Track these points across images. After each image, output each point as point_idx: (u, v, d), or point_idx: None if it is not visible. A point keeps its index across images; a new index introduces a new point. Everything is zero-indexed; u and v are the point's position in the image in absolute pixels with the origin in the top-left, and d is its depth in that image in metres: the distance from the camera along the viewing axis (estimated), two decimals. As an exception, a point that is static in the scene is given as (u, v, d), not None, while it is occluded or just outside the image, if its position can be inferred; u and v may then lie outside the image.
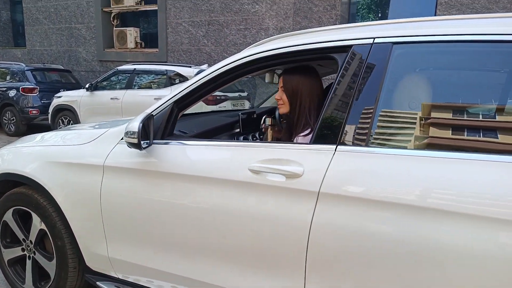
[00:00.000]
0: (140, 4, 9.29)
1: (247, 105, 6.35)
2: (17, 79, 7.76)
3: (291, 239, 1.34)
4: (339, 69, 1.41)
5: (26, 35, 10.79)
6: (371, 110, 1.30)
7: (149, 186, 1.63)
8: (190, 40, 8.28)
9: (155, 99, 5.80)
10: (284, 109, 1.73)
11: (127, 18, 9.92)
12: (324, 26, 7.35)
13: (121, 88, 6.52)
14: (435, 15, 6.03)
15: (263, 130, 2.20)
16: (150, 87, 6.42)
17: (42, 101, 7.55)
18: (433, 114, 1.29)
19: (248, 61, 1.57)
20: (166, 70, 6.25)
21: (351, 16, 7.28)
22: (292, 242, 1.34)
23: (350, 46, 1.41)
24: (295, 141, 1.61)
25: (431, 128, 1.28)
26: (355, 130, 1.32)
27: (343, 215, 1.25)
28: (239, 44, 7.62)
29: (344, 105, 1.35)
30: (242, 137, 2.30)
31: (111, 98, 6.41)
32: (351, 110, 1.33)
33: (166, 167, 1.61)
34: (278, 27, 7.24)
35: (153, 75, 6.44)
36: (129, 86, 6.47)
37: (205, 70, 6.06)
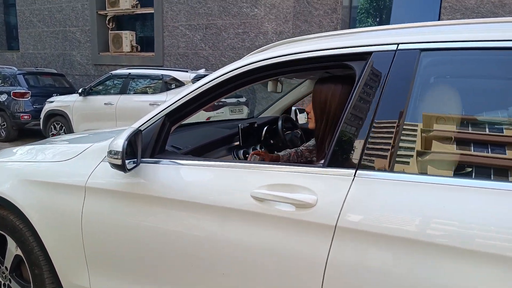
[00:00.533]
0: (136, 7, 9.10)
1: (245, 111, 6.16)
2: (9, 83, 7.53)
3: (301, 279, 1.14)
4: (357, 79, 1.21)
5: (19, 38, 10.57)
6: (396, 128, 1.10)
7: (137, 212, 1.43)
8: (187, 44, 8.09)
9: (150, 104, 5.58)
10: (310, 124, 1.57)
11: (123, 22, 9.72)
12: (325, 30, 7.21)
13: (115, 93, 6.30)
14: (439, 19, 5.87)
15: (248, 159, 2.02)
16: (145, 92, 6.20)
17: (34, 106, 7.32)
18: (474, 131, 1.09)
19: (249, 69, 1.37)
20: (162, 74, 6.04)
21: (352, 20, 7.12)
22: (303, 284, 1.14)
23: (370, 53, 1.21)
24: None
25: (472, 150, 1.08)
26: (377, 151, 1.12)
27: (366, 254, 1.05)
28: (237, 48, 7.43)
29: (364, 121, 1.15)
30: (242, 151, 2.10)
31: (105, 104, 6.19)
32: (372, 127, 1.13)
33: (156, 190, 1.40)
34: (278, 31, 7.06)
35: (148, 79, 6.23)
36: (123, 91, 6.25)
37: (202, 74, 5.90)
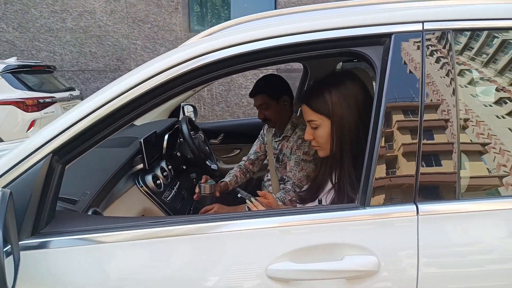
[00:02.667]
0: None
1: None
2: None
3: None
4: (378, 73, 0.86)
5: None
6: (453, 136, 0.81)
7: None
8: (-23, 24, 6.06)
9: None
10: (322, 152, 1.06)
11: None
12: (165, 10, 6.51)
13: None
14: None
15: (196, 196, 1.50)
16: None
17: None
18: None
19: (219, 59, 0.84)
20: None
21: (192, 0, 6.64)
22: None
23: (389, 35, 0.87)
24: None
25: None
26: (438, 170, 0.80)
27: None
28: (56, 30, 5.98)
29: (408, 131, 0.81)
30: (150, 176, 1.49)
31: None
32: (423, 138, 0.81)
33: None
34: (108, 10, 5.98)
35: None
36: None
37: (14, 65, 4.46)
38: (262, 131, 2.10)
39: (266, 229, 0.79)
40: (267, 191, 1.87)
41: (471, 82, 0.87)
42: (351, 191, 0.94)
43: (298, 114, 1.94)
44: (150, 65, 0.85)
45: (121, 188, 1.33)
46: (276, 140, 1.90)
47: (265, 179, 1.97)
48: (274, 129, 1.95)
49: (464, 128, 0.83)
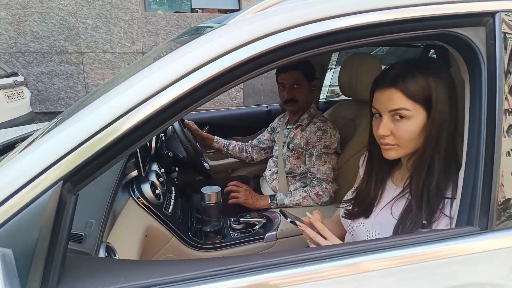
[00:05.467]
0: None
1: (27, 95, 4.44)
2: None
3: None
4: (484, 61, 0.69)
5: None
6: None
7: None
8: None
9: None
10: (398, 153, 0.84)
11: None
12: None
13: None
14: (239, 8, 5.70)
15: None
16: None
17: None
18: None
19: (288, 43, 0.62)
20: None
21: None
22: None
23: (492, 13, 0.70)
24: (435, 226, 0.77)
25: None
26: None
27: None
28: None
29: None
30: (148, 185, 1.23)
31: None
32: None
33: None
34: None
35: None
36: None
37: None
38: (274, 122, 1.92)
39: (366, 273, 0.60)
40: (269, 185, 1.71)
41: None
42: (437, 204, 0.77)
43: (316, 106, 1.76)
44: (229, 31, 0.62)
45: (120, 204, 1.07)
46: (288, 127, 1.71)
47: (268, 173, 1.78)
48: (287, 117, 1.77)
49: None
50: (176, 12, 5.71)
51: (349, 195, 1.03)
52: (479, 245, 0.62)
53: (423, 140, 0.79)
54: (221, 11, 5.89)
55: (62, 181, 0.55)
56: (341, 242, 0.85)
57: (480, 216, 0.64)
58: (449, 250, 0.61)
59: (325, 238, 0.84)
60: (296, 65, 1.53)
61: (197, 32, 0.89)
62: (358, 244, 0.66)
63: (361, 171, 1.03)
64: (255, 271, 0.60)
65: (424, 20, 0.70)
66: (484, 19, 0.71)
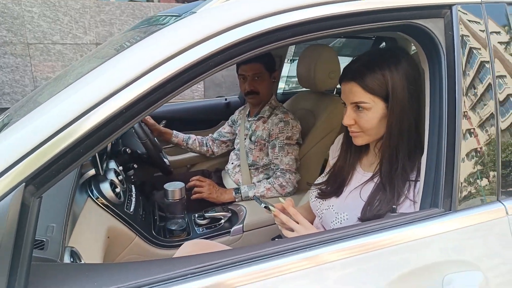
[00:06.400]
0: None
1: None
2: None
3: None
4: (443, 51, 0.73)
5: None
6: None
7: None
8: None
9: None
10: (363, 140, 0.90)
11: None
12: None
13: None
14: None
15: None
16: None
17: None
18: None
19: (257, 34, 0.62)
20: None
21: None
22: None
23: (449, 6, 0.74)
24: (399, 210, 0.81)
25: None
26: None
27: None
28: None
29: (485, 116, 0.71)
30: (107, 183, 1.16)
31: None
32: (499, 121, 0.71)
33: None
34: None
35: None
36: None
37: None
38: (234, 115, 1.89)
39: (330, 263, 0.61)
40: (231, 179, 1.70)
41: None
42: (402, 187, 0.81)
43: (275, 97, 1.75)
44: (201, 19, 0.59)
45: (78, 206, 1.00)
46: (249, 120, 1.71)
47: (230, 167, 1.76)
48: (248, 109, 1.76)
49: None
50: (131, 1, 5.44)
51: (319, 180, 1.06)
52: (445, 226, 0.66)
53: (386, 127, 0.83)
54: (178, 0, 5.71)
55: (24, 184, 0.50)
56: (311, 225, 0.87)
57: (444, 198, 0.68)
58: (416, 233, 0.65)
59: (297, 223, 0.86)
60: (257, 57, 1.52)
61: (156, 22, 0.85)
62: (321, 234, 0.66)
63: (331, 158, 1.07)
64: (215, 271, 0.58)
65: (386, 12, 0.72)
66: (442, 11, 0.74)
